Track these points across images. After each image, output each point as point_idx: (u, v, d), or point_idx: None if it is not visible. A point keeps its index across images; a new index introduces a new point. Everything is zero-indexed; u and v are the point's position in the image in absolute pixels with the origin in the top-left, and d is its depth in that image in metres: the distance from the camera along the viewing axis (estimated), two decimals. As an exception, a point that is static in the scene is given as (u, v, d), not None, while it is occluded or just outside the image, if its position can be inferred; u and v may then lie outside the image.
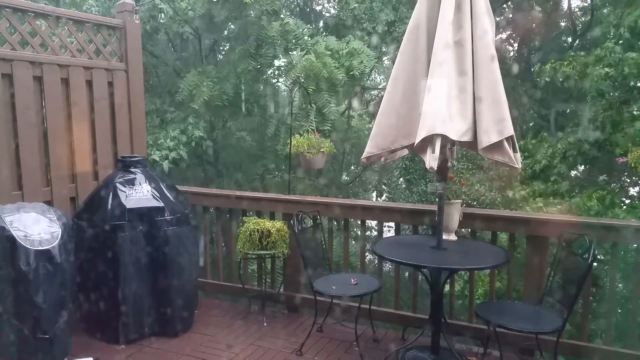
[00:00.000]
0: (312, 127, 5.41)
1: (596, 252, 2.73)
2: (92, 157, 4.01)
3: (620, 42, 6.18)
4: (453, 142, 2.94)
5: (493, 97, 2.76)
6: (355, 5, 7.89)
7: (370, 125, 10.71)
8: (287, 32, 7.41)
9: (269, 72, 9.16)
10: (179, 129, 7.70)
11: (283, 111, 8.27)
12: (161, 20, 7.76)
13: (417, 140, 2.70)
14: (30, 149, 3.51)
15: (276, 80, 9.67)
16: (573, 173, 8.15)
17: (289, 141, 4.55)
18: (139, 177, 3.60)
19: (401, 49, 3.05)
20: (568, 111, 9.68)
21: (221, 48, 11.72)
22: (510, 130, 2.73)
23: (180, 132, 7.62)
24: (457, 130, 2.77)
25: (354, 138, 11.90)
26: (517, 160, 2.79)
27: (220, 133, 9.04)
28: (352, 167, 13.80)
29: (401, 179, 12.25)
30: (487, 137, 2.74)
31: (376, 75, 12.59)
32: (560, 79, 6.30)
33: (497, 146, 2.75)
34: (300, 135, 4.48)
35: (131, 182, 3.54)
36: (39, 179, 3.60)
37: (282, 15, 7.79)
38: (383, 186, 13.75)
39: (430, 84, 2.73)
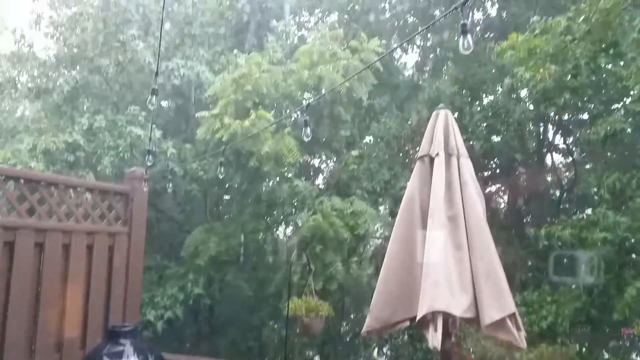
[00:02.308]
0: (311, 289, 5.32)
1: None
2: (82, 324, 3.85)
3: (603, 203, 6.38)
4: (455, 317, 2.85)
5: (490, 273, 2.75)
6: (354, 166, 8.40)
7: (368, 272, 10.60)
8: (295, 194, 7.75)
9: (279, 230, 9.38)
10: (177, 285, 7.55)
11: (284, 266, 8.24)
12: (170, 182, 8.12)
13: (418, 317, 2.63)
14: (18, 320, 3.39)
15: (275, 232, 9.83)
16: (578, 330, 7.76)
17: (286, 304, 4.44)
18: (127, 349, 3.40)
19: (397, 222, 3.14)
20: (565, 262, 9.62)
21: (224, 200, 12.10)
22: (511, 307, 2.68)
23: (179, 289, 7.45)
24: (459, 306, 2.71)
25: (353, 286, 11.63)
26: (521, 339, 2.68)
27: (218, 286, 8.89)
28: (352, 316, 13.22)
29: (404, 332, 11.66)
30: (489, 315, 2.67)
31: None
32: (558, 244, 6.39)
33: (500, 324, 2.66)
34: (299, 298, 4.39)
35: (119, 356, 3.35)
36: (22, 351, 3.41)
37: (290, 177, 8.21)
38: (384, 340, 13.02)
39: (428, 257, 2.76)
